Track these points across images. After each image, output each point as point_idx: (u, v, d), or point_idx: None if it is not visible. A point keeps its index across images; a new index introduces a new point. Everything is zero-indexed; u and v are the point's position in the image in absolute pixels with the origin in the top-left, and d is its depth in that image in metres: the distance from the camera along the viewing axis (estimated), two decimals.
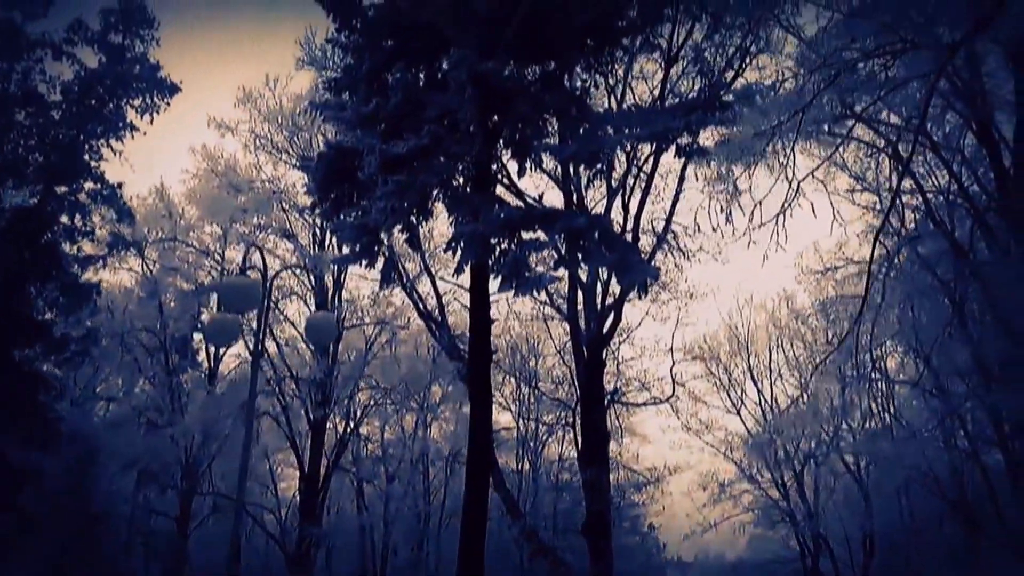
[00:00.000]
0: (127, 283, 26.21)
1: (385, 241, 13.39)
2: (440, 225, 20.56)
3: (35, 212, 16.18)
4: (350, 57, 14.77)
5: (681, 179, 19.99)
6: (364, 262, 13.65)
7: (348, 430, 27.34)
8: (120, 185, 17.89)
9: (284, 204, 24.37)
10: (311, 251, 24.15)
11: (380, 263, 13.87)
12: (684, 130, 11.72)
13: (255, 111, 23.90)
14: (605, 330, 19.32)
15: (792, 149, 15.03)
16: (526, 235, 12.60)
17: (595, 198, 21.05)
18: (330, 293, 24.03)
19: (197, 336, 27.75)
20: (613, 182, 17.57)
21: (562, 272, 13.91)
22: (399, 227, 14.35)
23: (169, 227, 24.17)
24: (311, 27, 19.71)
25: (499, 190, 15.12)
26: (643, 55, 16.54)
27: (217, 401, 24.43)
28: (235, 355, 28.05)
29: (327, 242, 24.97)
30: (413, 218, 14.40)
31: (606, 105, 18.13)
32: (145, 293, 25.54)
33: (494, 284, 13.98)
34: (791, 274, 39.94)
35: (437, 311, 23.28)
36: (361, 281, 26.92)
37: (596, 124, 12.58)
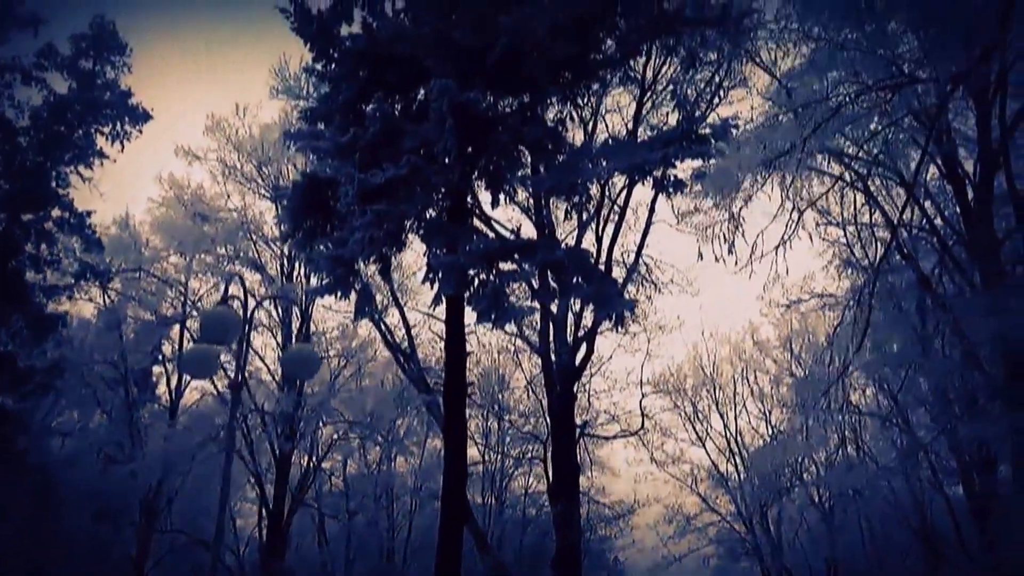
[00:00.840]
0: (85, 313, 25.57)
1: (361, 272, 13.19)
2: (407, 256, 20.53)
3: None
4: (326, 86, 14.72)
5: (651, 211, 20.16)
6: (339, 293, 13.46)
7: (312, 465, 26.79)
8: (89, 213, 17.51)
9: (252, 234, 24.02)
10: (279, 282, 23.80)
11: (353, 295, 13.71)
12: (661, 163, 11.79)
13: (224, 140, 23.63)
14: (577, 362, 19.23)
15: (786, 185, 15.41)
16: (504, 267, 12.58)
17: (565, 230, 21.17)
18: (297, 325, 23.68)
19: (156, 369, 27.17)
20: (584, 214, 17.61)
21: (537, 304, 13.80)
22: (372, 258, 14.25)
23: (133, 257, 23.65)
24: (284, 55, 19.57)
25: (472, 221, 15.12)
26: (617, 88, 16.73)
27: (179, 436, 23.78)
28: (197, 388, 27.47)
29: (295, 273, 24.66)
30: (386, 249, 14.27)
31: (577, 137, 18.35)
32: (104, 324, 24.90)
33: (470, 315, 13.97)
34: (758, 306, 40.39)
35: (406, 343, 23.05)
36: (327, 313, 26.65)
37: (574, 156, 12.61)
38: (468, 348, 26.37)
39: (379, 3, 14.87)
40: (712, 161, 13.42)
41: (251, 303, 8.39)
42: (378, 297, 23.72)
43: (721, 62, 17.23)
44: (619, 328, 12.66)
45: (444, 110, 11.38)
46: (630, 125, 19.09)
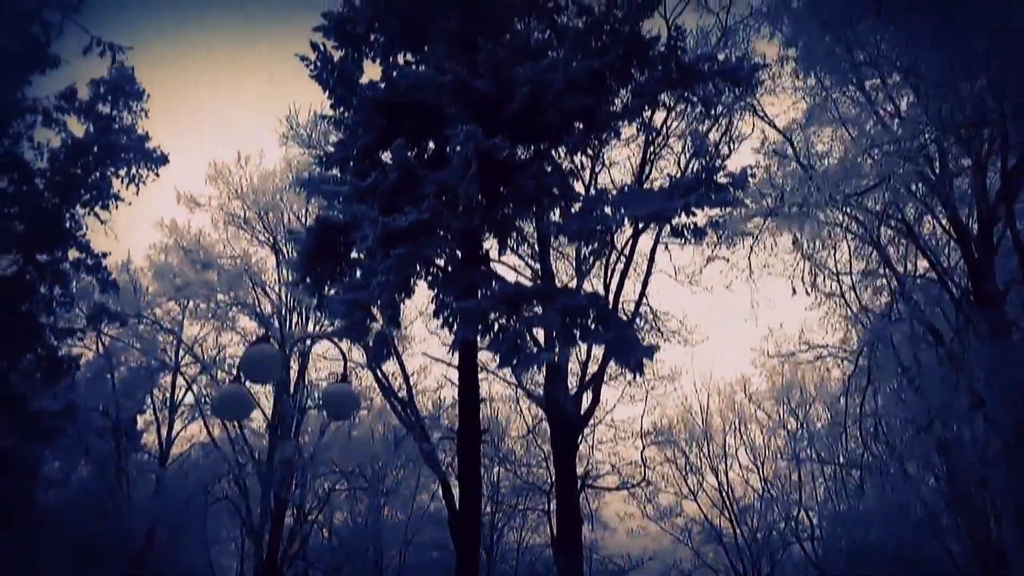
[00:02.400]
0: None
1: (378, 316, 13.12)
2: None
3: (14, 281, 15.52)
4: (340, 133, 14.85)
5: (651, 261, 20.40)
6: (353, 338, 13.38)
7: (304, 516, 26.27)
8: (105, 255, 17.41)
9: (251, 281, 23.94)
10: (279, 329, 23.64)
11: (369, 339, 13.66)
12: (682, 211, 11.91)
13: (225, 187, 23.71)
14: (583, 411, 19.15)
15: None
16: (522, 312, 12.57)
17: (562, 279, 21.30)
18: (296, 371, 23.48)
19: (145, 418, 26.74)
20: (597, 262, 17.78)
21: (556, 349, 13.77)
22: (382, 304, 14.20)
23: (132, 302, 23.43)
24: (295, 104, 19.83)
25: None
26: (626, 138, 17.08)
27: (168, 486, 23.30)
28: (185, 438, 27.04)
29: (293, 320, 24.52)
30: (396, 295, 14.25)
31: (578, 185, 18.62)
32: (94, 370, 24.53)
33: (483, 356, 13.90)
34: (748, 356, 40.50)
35: (403, 390, 22.88)
36: (319, 362, 26.41)
37: (593, 202, 12.73)
38: (455, 395, 26.36)
39: (393, 54, 15.17)
40: (728, 210, 13.65)
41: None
42: None
43: (725, 113, 17.68)
44: (637, 375, 12.61)
45: (470, 155, 11.48)
46: (632, 173, 19.51)
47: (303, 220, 23.51)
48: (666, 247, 20.60)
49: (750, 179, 12.33)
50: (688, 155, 19.18)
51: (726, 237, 16.75)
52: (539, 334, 17.12)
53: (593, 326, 12.33)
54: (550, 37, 15.14)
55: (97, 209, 17.12)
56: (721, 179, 12.13)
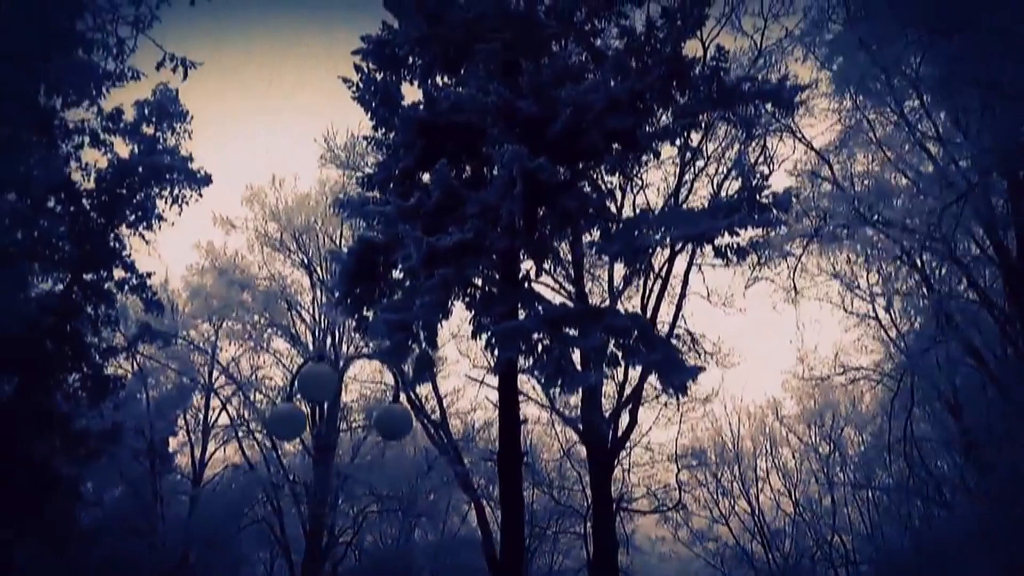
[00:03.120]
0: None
1: (421, 337, 13.14)
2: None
3: (61, 301, 15.80)
4: (383, 154, 14.97)
5: (684, 283, 20.40)
6: (396, 359, 13.39)
7: (336, 538, 26.24)
8: (149, 275, 17.67)
9: (287, 303, 24.16)
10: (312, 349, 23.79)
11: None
12: (726, 231, 11.88)
13: (261, 209, 24.01)
14: (620, 433, 19.06)
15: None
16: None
17: (595, 300, 21.30)
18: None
19: (177, 439, 26.87)
20: (636, 282, 17.82)
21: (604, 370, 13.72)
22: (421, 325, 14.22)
23: (169, 323, 23.70)
24: (332, 126, 20.12)
25: None
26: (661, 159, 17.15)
27: (203, 508, 23.37)
28: (220, 459, 27.17)
29: (327, 342, 24.65)
30: (434, 317, 14.27)
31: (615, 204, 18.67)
32: (125, 392, 24.72)
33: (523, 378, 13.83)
34: (779, 380, 40.15)
35: (436, 412, 22.94)
36: (350, 383, 26.48)
37: (636, 223, 12.74)
38: (488, 417, 26.30)
39: (431, 76, 15.33)
40: (768, 231, 13.58)
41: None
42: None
43: (760, 135, 17.70)
44: (680, 396, 12.51)
45: (514, 175, 11.54)
46: (665, 194, 19.59)
47: (336, 242, 23.75)
48: (699, 269, 20.66)
49: (793, 199, 12.27)
50: (722, 176, 19.28)
51: (767, 258, 16.71)
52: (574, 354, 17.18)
53: (637, 347, 12.30)
54: (587, 60, 15.28)
55: (141, 229, 17.47)
56: (764, 199, 12.08)
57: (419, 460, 27.45)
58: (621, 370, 18.93)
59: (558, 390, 11.95)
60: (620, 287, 21.29)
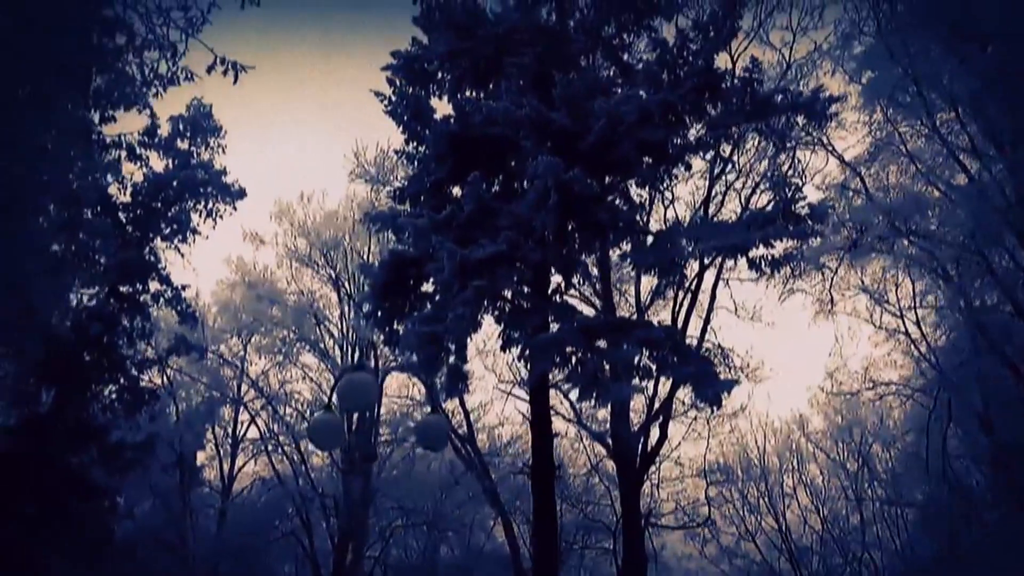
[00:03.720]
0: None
1: (451, 350, 13.15)
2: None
3: (98, 312, 16.02)
4: (415, 168, 15.07)
5: (712, 295, 20.28)
6: (428, 371, 13.41)
7: (362, 552, 26.19)
8: (184, 287, 17.91)
9: (315, 318, 24.33)
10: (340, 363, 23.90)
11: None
12: (761, 243, 11.84)
13: (289, 224, 24.26)
14: (650, 448, 18.94)
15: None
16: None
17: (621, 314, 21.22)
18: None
19: (204, 453, 26.99)
20: (671, 294, 17.79)
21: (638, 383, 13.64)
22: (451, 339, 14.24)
23: (199, 336, 23.92)
24: (361, 140, 20.32)
25: None
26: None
27: (232, 522, 23.47)
28: (248, 473, 27.27)
29: (352, 356, 24.73)
30: (463, 330, 14.28)
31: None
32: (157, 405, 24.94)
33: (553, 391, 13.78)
34: (806, 394, 39.74)
35: (463, 427, 22.90)
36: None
37: (669, 235, 12.71)
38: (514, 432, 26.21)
39: (461, 91, 15.43)
40: (799, 243, 13.51)
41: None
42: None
43: (790, 147, 17.64)
44: (715, 409, 12.42)
45: (549, 187, 11.56)
46: (692, 207, 19.55)
47: (363, 256, 23.91)
48: (726, 283, 20.60)
49: (829, 211, 12.20)
50: (750, 189, 19.22)
51: (801, 271, 16.62)
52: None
53: (671, 359, 12.24)
54: (615, 74, 15.33)
55: (176, 242, 17.72)
56: (800, 210, 12.03)
57: (445, 474, 27.40)
58: (650, 384, 18.83)
59: (592, 402, 11.84)
60: (647, 300, 21.29)
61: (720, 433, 26.68)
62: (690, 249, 12.73)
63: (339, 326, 24.28)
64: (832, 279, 17.45)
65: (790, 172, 16.16)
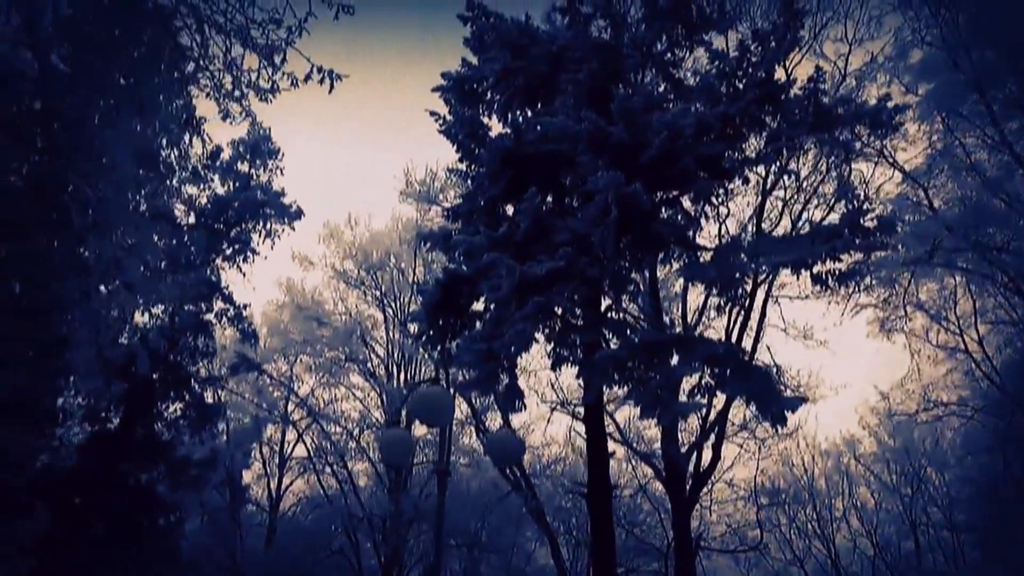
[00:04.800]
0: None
1: (508, 367, 13.00)
2: None
3: (165, 331, 16.28)
4: (468, 186, 15.04)
5: (763, 313, 19.96)
6: (485, 389, 13.28)
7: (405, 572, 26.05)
8: (246, 306, 18.19)
9: (364, 338, 24.45)
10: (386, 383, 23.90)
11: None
12: (827, 256, 11.55)
13: (337, 246, 24.47)
14: (702, 469, 18.58)
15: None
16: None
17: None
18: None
19: (247, 472, 27.10)
20: (731, 310, 17.52)
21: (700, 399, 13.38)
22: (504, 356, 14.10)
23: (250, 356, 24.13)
24: (411, 162, 20.47)
25: None
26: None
27: (281, 539, 23.49)
28: (294, 492, 27.34)
29: (397, 375, 24.76)
30: (515, 348, 14.13)
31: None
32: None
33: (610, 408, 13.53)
34: (855, 416, 38.99)
35: None
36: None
37: (728, 250, 12.46)
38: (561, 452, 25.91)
39: (512, 109, 15.41)
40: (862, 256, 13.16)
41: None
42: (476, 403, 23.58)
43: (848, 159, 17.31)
44: (781, 426, 12.07)
45: (609, 202, 11.41)
46: (741, 221, 19.27)
47: (407, 277, 23.99)
48: (776, 300, 20.29)
49: (897, 223, 11.88)
50: (801, 204, 18.89)
51: (867, 286, 16.28)
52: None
53: (732, 376, 11.96)
54: (667, 90, 15.18)
55: (239, 262, 18.00)
56: (868, 223, 11.74)
57: (488, 494, 27.21)
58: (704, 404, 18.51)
59: (654, 420, 11.59)
60: (694, 318, 21.02)
61: (771, 455, 26.17)
62: (752, 265, 12.44)
63: (384, 346, 24.35)
64: (903, 294, 17.02)
65: (848, 184, 15.85)
